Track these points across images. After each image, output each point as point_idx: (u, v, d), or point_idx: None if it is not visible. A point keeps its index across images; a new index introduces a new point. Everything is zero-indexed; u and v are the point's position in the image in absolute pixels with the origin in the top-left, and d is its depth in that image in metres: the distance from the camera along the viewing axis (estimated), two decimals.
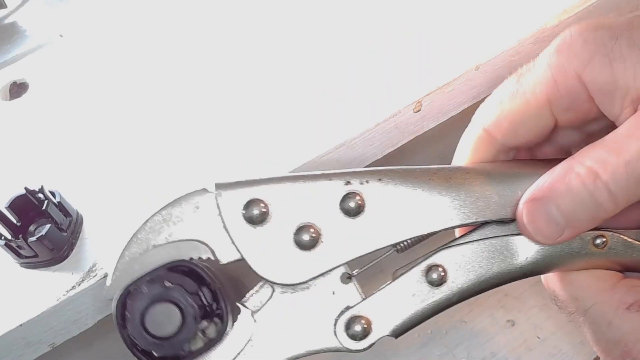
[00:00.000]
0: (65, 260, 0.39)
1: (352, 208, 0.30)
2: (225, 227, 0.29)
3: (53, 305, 0.37)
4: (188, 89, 0.48)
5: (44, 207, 0.38)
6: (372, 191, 0.30)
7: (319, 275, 0.30)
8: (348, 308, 0.31)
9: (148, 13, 0.56)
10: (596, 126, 0.36)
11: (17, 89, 0.53)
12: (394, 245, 0.31)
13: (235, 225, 0.29)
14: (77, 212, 0.41)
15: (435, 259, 0.32)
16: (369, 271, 0.33)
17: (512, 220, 0.32)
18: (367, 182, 0.30)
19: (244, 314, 0.30)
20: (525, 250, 0.32)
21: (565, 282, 0.34)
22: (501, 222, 0.32)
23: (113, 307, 0.30)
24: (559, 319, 0.56)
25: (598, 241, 0.33)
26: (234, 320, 0.30)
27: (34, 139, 0.47)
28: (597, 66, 0.30)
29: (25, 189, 0.39)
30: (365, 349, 0.31)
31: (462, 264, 0.32)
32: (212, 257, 0.30)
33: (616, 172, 0.28)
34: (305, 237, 0.30)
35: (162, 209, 0.30)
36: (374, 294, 0.32)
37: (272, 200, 0.30)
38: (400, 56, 0.45)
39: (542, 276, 0.36)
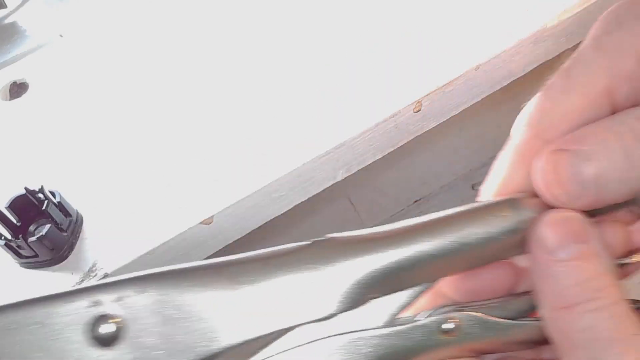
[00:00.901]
0: (65, 260, 0.39)
1: (105, 336, 0.22)
2: None
3: None
4: (188, 89, 0.48)
5: (44, 207, 0.38)
6: (131, 306, 0.22)
7: None
8: None
9: (148, 13, 0.56)
10: None
11: (17, 89, 0.53)
12: None
13: None
14: (77, 212, 0.41)
15: None
16: None
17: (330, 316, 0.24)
18: (124, 297, 0.22)
19: None
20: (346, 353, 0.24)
21: None
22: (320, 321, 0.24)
23: None
24: None
25: (446, 326, 0.26)
26: None
27: (34, 139, 0.47)
28: None
29: (25, 189, 0.39)
30: None
31: None
32: None
33: None
34: None
35: None
36: None
37: (3, 339, 0.22)
38: (400, 56, 0.45)
39: None
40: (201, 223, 0.39)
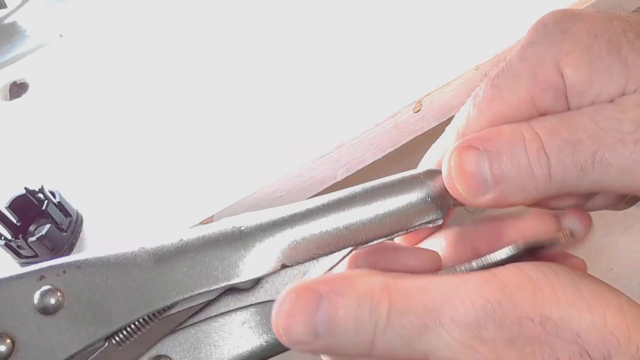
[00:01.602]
0: None
1: (48, 305, 0.26)
2: None
3: None
4: (188, 89, 0.48)
5: (44, 207, 0.38)
6: (71, 282, 0.26)
7: None
8: None
9: (148, 13, 0.56)
10: None
11: (17, 89, 0.53)
12: (109, 339, 0.27)
13: None
14: (77, 212, 0.41)
15: (159, 348, 0.27)
16: None
17: (253, 286, 0.27)
18: (63, 272, 0.26)
19: None
20: (263, 326, 0.27)
21: None
22: (243, 290, 0.27)
23: None
24: None
25: None
26: None
27: (34, 139, 0.47)
28: (575, 60, 0.27)
29: (25, 189, 0.39)
30: None
31: (189, 351, 0.27)
32: None
33: (562, 148, 0.25)
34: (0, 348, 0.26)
35: None
36: None
37: None
38: (400, 56, 0.45)
39: None
40: (201, 223, 0.39)
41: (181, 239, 0.27)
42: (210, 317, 0.28)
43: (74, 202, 0.41)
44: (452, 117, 0.48)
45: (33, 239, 0.37)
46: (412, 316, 0.22)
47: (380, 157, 0.44)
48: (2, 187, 0.42)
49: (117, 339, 0.27)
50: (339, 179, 0.44)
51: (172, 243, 0.27)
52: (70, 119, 0.48)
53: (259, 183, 0.40)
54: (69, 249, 0.39)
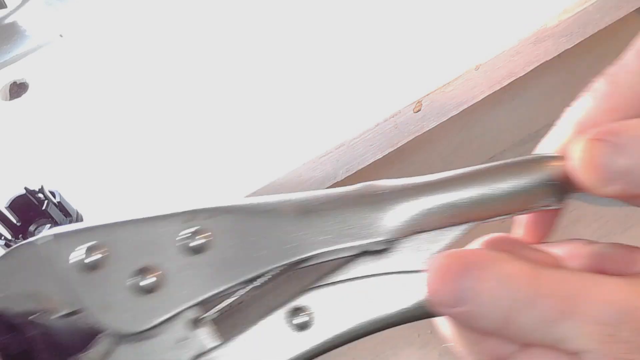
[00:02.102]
0: None
1: (196, 245, 0.27)
2: (60, 276, 0.27)
3: None
4: (188, 89, 0.48)
5: (44, 207, 0.38)
6: (219, 225, 0.27)
7: (165, 321, 0.28)
8: (200, 355, 0.28)
9: (148, 13, 0.56)
10: None
11: (17, 89, 0.53)
12: (249, 282, 0.28)
13: (72, 273, 0.27)
14: (77, 212, 0.41)
15: (301, 300, 0.28)
16: (228, 314, 0.30)
17: (385, 248, 0.28)
18: (212, 216, 0.28)
19: None
20: (407, 292, 0.28)
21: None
22: (377, 254, 0.29)
23: None
24: None
25: None
26: None
27: (34, 139, 0.47)
28: None
29: (25, 189, 0.39)
30: None
31: (331, 308, 0.28)
32: (48, 311, 0.27)
33: None
34: (146, 280, 0.28)
35: None
36: (232, 338, 0.28)
37: (111, 245, 0.27)
38: (400, 56, 0.45)
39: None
40: None
41: (325, 194, 0.29)
42: (348, 279, 0.29)
43: (74, 202, 0.41)
44: (452, 117, 0.48)
45: None
46: (553, 301, 0.24)
47: (380, 157, 0.44)
48: (2, 187, 0.42)
49: (257, 283, 0.28)
50: (339, 178, 0.44)
51: (316, 197, 0.28)
52: (70, 119, 0.48)
53: (259, 183, 0.40)
54: None
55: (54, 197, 0.39)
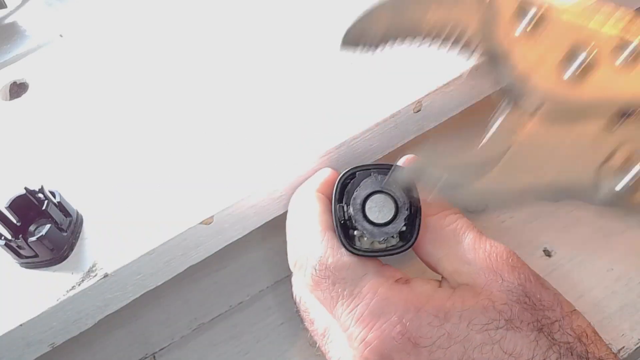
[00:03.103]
0: (65, 260, 0.39)
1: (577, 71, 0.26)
2: (495, 23, 0.28)
3: (53, 306, 0.37)
4: (188, 89, 0.48)
5: (44, 207, 0.38)
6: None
7: (593, 107, 0.26)
8: (621, 145, 0.27)
9: (148, 13, 0.56)
10: None
11: (17, 89, 0.53)
12: None
13: (509, 25, 0.27)
14: (77, 212, 0.41)
15: None
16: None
17: None
18: None
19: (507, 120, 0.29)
20: None
21: None
22: None
23: (337, 182, 0.35)
24: None
25: None
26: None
27: (34, 139, 0.47)
28: None
29: (25, 189, 0.39)
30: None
31: None
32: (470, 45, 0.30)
33: None
34: (579, 61, 0.26)
35: None
36: None
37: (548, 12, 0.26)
38: (400, 56, 0.45)
39: None
40: (201, 223, 0.39)
41: None
42: None
43: (74, 202, 0.41)
44: (452, 117, 0.48)
45: (33, 239, 0.37)
46: None
47: (380, 157, 0.44)
48: (2, 187, 0.42)
49: None
50: None
51: None
52: (70, 119, 0.48)
53: (259, 183, 0.40)
54: (69, 249, 0.39)
55: (54, 197, 0.39)
